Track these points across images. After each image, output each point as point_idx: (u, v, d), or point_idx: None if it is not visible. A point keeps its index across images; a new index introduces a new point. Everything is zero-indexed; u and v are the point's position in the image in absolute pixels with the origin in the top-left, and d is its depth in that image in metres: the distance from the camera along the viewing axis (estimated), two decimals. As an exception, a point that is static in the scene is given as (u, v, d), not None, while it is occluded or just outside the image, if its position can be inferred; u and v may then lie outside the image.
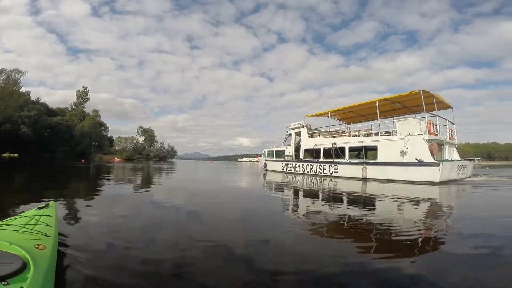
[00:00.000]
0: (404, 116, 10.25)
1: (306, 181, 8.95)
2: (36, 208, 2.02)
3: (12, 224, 1.55)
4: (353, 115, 13.89)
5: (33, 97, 54.67)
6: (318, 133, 13.91)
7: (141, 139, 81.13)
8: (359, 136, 11.01)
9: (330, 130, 13.45)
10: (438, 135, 9.20)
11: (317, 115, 14.22)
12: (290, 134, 15.49)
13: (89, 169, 15.47)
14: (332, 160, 11.51)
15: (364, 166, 9.76)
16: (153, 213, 3.42)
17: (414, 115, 11.00)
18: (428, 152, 8.05)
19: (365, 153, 10.19)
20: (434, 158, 8.09)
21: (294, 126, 15.13)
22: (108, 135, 75.44)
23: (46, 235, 1.50)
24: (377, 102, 10.43)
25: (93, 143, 62.56)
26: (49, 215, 1.89)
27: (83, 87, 65.82)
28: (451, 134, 10.50)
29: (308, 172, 12.98)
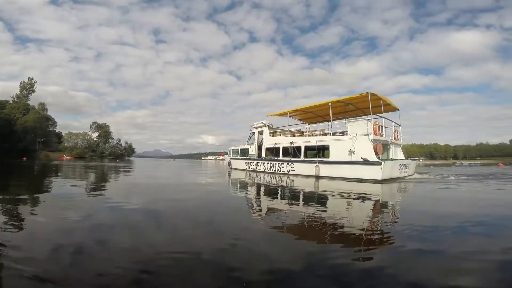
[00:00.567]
0: (356, 118, 10.99)
1: (266, 179, 9.18)
2: None
3: None
4: (312, 115, 14.61)
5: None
6: (279, 132, 14.41)
7: (94, 135, 76.05)
8: (315, 135, 11.68)
9: (290, 130, 14.02)
10: (384, 135, 9.96)
11: (278, 115, 14.67)
12: (254, 133, 15.85)
13: (32, 168, 14.20)
14: (289, 159, 11.99)
15: (317, 164, 10.27)
16: (108, 217, 3.21)
17: (366, 116, 11.90)
18: (373, 152, 8.66)
19: (318, 152, 10.79)
20: (378, 158, 8.74)
21: (257, 125, 15.53)
22: (57, 131, 68.79)
23: None
24: (330, 104, 11.03)
25: (38, 139, 56.54)
26: None
27: (28, 78, 58.75)
28: (397, 135, 11.47)
29: (268, 170, 13.38)
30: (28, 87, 58.36)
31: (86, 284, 1.52)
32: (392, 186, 7.18)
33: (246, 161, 15.94)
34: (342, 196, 5.26)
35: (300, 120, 15.62)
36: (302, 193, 5.73)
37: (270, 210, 3.89)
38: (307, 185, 7.24)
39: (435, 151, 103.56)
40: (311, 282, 1.55)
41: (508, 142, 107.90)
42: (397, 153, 11.36)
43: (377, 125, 9.50)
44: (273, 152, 13.70)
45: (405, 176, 9.97)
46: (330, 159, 10.16)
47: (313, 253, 2.03)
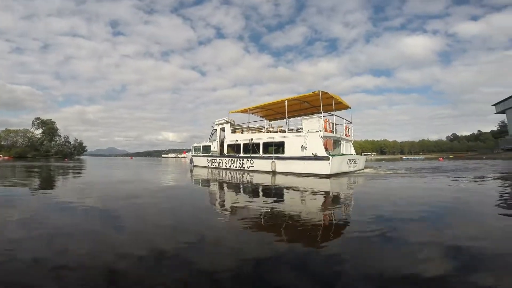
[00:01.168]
0: (310, 115, 11.54)
1: (227, 176, 9.25)
2: None
3: None
4: (272, 112, 15.00)
5: None
6: (242, 129, 14.56)
7: (38, 132, 68.18)
8: (274, 132, 12.05)
9: (251, 127, 14.27)
10: (335, 132, 10.68)
11: (240, 112, 14.77)
12: (216, 130, 15.83)
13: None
14: (249, 155, 12.26)
15: (273, 160, 10.66)
16: (60, 219, 2.94)
17: (321, 114, 12.51)
18: (323, 147, 9.20)
19: (276, 148, 11.23)
20: (328, 153, 9.30)
21: (219, 122, 15.57)
22: (-12, 128, 61.72)
23: None
24: (286, 101, 11.51)
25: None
26: None
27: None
28: (348, 132, 12.35)
29: (230, 166, 13.47)
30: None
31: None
32: (341, 180, 7.60)
33: (208, 158, 15.87)
34: (295, 190, 5.51)
35: (262, 117, 15.92)
36: (260, 188, 5.91)
37: (232, 206, 3.94)
38: (264, 181, 7.44)
39: (384, 146, 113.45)
40: (280, 272, 1.58)
41: (444, 139, 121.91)
42: (348, 148, 12.17)
43: (327, 122, 10.06)
44: (235, 148, 13.82)
45: (355, 171, 10.64)
46: (285, 155, 10.58)
47: (278, 245, 2.06)
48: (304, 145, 9.74)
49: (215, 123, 15.95)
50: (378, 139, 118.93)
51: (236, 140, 13.61)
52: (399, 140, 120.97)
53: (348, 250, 1.96)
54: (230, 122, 14.87)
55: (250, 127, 14.14)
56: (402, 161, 30.31)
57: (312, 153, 9.25)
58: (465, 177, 7.60)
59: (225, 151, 14.56)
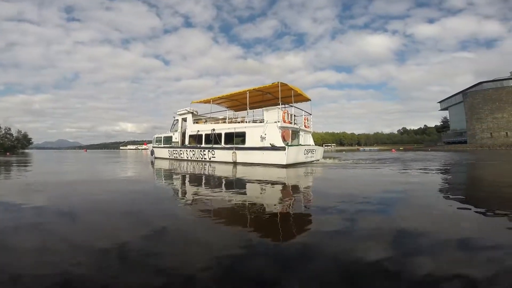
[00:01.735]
0: (272, 106, 11.46)
1: (189, 167, 8.96)
2: None
3: None
4: (237, 103, 14.73)
5: None
6: (205, 119, 14.12)
7: (-31, 124, 59.44)
8: (237, 122, 11.85)
9: (213, 117, 13.86)
10: (293, 123, 10.83)
11: (202, 102, 14.35)
12: (178, 120, 15.19)
13: None
14: (211, 146, 12.00)
15: (234, 151, 10.57)
16: (4, 218, 2.55)
17: (284, 105, 12.51)
18: (280, 138, 9.32)
19: (237, 139, 11.07)
20: (286, 144, 9.42)
21: (181, 112, 14.94)
22: None
23: None
24: (248, 92, 11.41)
25: None
26: None
27: None
28: (307, 123, 12.58)
29: (191, 158, 13.12)
30: None
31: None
32: (298, 170, 7.70)
33: (169, 149, 15.28)
34: (254, 181, 5.45)
35: (228, 107, 15.56)
36: (223, 179, 5.74)
37: (194, 197, 3.71)
38: (225, 172, 7.31)
39: (343, 138, 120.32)
40: (251, 262, 1.54)
41: (396, 132, 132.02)
42: (307, 139, 12.42)
43: (286, 113, 10.12)
44: (196, 139, 13.40)
45: (312, 161, 10.93)
46: (246, 145, 10.54)
47: (246, 235, 2.02)
48: (263, 135, 9.74)
49: (177, 113, 15.31)
50: (338, 132, 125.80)
51: (198, 131, 13.21)
52: (356, 132, 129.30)
53: (305, 238, 1.95)
54: (192, 113, 14.33)
55: (213, 118, 13.74)
56: (360, 152, 32.16)
57: (270, 144, 9.29)
58: (419, 168, 8.03)
59: (186, 142, 14.08)
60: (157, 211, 2.81)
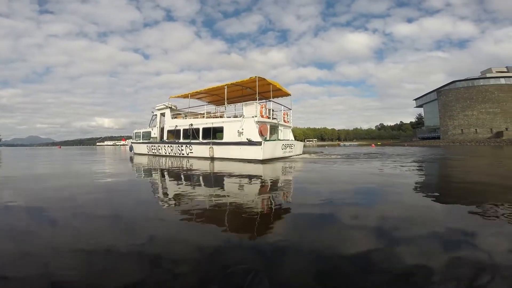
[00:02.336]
0: (251, 101, 11.04)
1: (167, 163, 8.54)
2: None
3: None
4: (218, 98, 14.21)
5: None
6: (184, 114, 13.51)
7: None
8: (216, 117, 11.34)
9: (191, 112, 13.29)
10: (271, 118, 10.51)
11: (180, 97, 13.76)
12: (156, 115, 14.55)
13: None
14: (188, 141, 11.50)
15: (211, 146, 10.15)
16: None
17: (265, 100, 12.07)
18: (257, 133, 9.00)
19: (214, 134, 10.60)
20: (264, 138, 9.11)
21: (159, 107, 14.31)
22: None
23: None
24: (226, 87, 10.95)
25: None
26: None
27: None
28: (287, 118, 12.29)
29: (169, 153, 12.62)
30: None
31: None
32: (275, 165, 7.40)
33: (148, 145, 14.68)
34: (234, 176, 5.21)
35: (209, 102, 14.99)
36: (201, 176, 5.40)
37: (175, 195, 3.39)
38: (203, 167, 6.96)
39: (325, 134, 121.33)
40: (238, 258, 1.49)
41: (374, 128, 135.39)
42: (286, 134, 12.14)
43: (263, 108, 9.76)
44: (175, 134, 12.84)
45: (290, 156, 10.62)
46: (224, 140, 10.15)
47: (230, 232, 1.94)
48: (241, 130, 9.36)
49: (156, 108, 14.67)
50: (319, 127, 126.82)
51: (176, 126, 12.64)
52: (336, 128, 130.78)
53: (285, 231, 1.94)
54: (170, 107, 13.70)
55: (192, 112, 13.15)
56: (340, 147, 32.37)
57: (247, 138, 8.92)
58: (400, 162, 7.99)
59: (165, 137, 13.50)
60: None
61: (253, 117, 9.27)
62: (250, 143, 8.87)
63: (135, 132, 16.80)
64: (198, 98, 14.49)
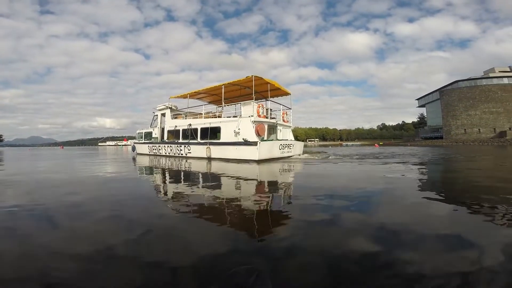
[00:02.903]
0: (249, 101, 10.69)
1: (167, 163, 8.37)
2: None
3: None
4: (217, 98, 13.91)
5: None
6: (184, 114, 13.26)
7: None
8: (214, 117, 11.04)
9: (191, 112, 13.01)
10: (269, 117, 10.16)
11: (180, 97, 13.58)
12: (157, 116, 14.40)
13: None
14: (187, 141, 11.25)
15: (208, 146, 9.87)
16: None
17: (265, 100, 11.68)
18: (253, 133, 8.68)
19: (212, 134, 10.30)
20: (261, 138, 8.78)
21: (160, 108, 14.16)
22: None
23: None
24: (223, 86, 10.65)
25: None
26: None
27: None
28: (287, 118, 11.89)
29: (169, 153, 12.44)
30: None
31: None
32: (269, 166, 7.03)
33: (149, 145, 14.54)
34: (231, 177, 5.02)
35: (209, 102, 14.72)
36: (199, 176, 5.25)
37: (175, 195, 3.34)
38: (201, 167, 6.76)
39: (326, 134, 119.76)
40: (240, 259, 1.44)
41: (375, 127, 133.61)
42: (286, 134, 11.76)
43: (260, 107, 9.43)
44: (174, 134, 12.64)
45: (289, 156, 10.21)
46: (221, 140, 9.87)
47: (231, 232, 1.88)
48: (237, 130, 9.02)
49: (156, 108, 14.53)
50: (321, 127, 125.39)
51: (176, 126, 12.44)
52: (338, 128, 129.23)
53: (288, 232, 1.84)
54: (170, 108, 13.51)
55: (192, 113, 12.88)
56: (343, 147, 31.69)
57: (243, 138, 8.60)
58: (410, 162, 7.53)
59: (165, 138, 13.34)
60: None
61: (249, 116, 8.97)
62: (246, 143, 8.57)
63: (138, 132, 16.73)
64: (198, 98, 14.28)
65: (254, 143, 8.29)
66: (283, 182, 4.36)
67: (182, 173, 5.81)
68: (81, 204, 2.72)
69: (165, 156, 12.47)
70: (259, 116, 9.16)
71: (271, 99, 10.81)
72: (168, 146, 12.56)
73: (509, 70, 49.59)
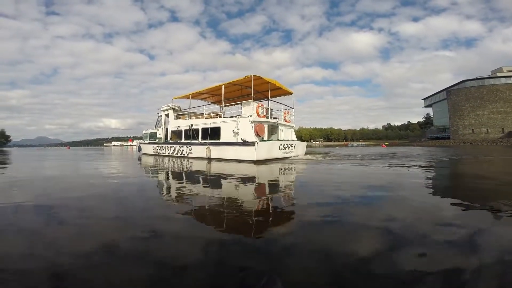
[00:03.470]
0: (249, 101, 10.35)
1: (170, 163, 8.26)
2: None
3: None
4: (220, 98, 13.63)
5: None
6: (188, 115, 13.05)
7: None
8: (215, 118, 10.77)
9: (193, 112, 12.78)
10: (270, 117, 9.82)
11: (182, 98, 13.44)
12: (161, 116, 14.34)
13: None
14: (189, 141, 11.07)
15: (208, 146, 9.62)
16: None
17: (267, 99, 11.26)
18: (252, 133, 8.37)
19: (212, 134, 10.02)
20: (261, 139, 8.46)
21: (164, 108, 14.12)
22: None
23: None
24: (223, 86, 10.39)
25: None
26: None
27: None
28: (289, 117, 11.47)
29: (171, 153, 12.32)
30: None
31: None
32: (272, 166, 6.71)
33: (154, 145, 14.52)
34: (230, 177, 4.84)
35: (213, 102, 14.52)
36: (200, 176, 5.08)
37: (178, 195, 3.26)
38: (201, 167, 6.60)
39: (331, 134, 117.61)
40: (245, 258, 1.40)
41: (380, 128, 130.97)
42: (288, 134, 11.38)
43: (260, 107, 9.10)
44: (177, 135, 12.52)
45: (290, 157, 9.77)
46: (220, 140, 9.61)
47: (236, 231, 1.83)
48: (236, 130, 8.73)
49: (160, 109, 14.52)
50: (325, 127, 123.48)
51: (178, 127, 12.31)
52: (342, 128, 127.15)
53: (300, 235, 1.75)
54: (174, 108, 13.38)
55: (194, 113, 12.66)
56: (349, 147, 30.81)
57: (241, 139, 8.31)
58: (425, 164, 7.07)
59: (168, 138, 13.30)
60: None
61: (248, 116, 8.68)
62: (244, 143, 8.30)
63: (144, 133, 16.78)
64: (201, 99, 14.10)
65: (252, 143, 8.00)
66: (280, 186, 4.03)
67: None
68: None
69: (168, 156, 12.36)
70: (258, 116, 8.87)
71: (273, 99, 10.44)
72: (171, 146, 12.47)
73: (518, 69, 47.76)
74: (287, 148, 9.67)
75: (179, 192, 3.48)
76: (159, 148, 13.65)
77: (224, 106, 10.72)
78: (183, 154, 11.30)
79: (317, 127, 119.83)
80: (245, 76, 9.32)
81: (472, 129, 47.43)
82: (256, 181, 4.37)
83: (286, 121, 11.19)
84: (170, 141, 12.92)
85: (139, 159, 10.88)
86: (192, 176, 5.06)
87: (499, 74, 47.59)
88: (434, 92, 63.12)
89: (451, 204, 2.48)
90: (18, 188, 3.90)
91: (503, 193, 2.98)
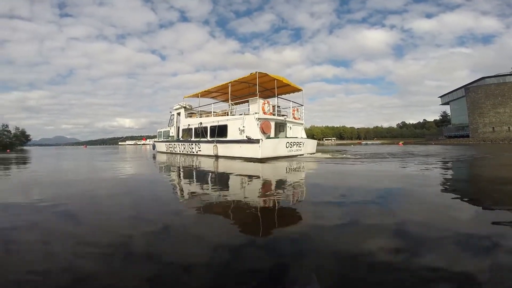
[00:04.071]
0: (256, 98, 10.03)
1: (180, 161, 8.29)
2: None
3: None
4: (231, 96, 13.47)
5: None
6: (199, 113, 12.97)
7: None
8: (224, 115, 10.59)
9: (203, 110, 12.67)
10: (277, 114, 9.48)
11: (192, 96, 13.41)
12: (174, 115, 14.49)
13: None
14: (198, 139, 11.02)
15: (215, 144, 9.46)
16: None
17: (275, 96, 10.85)
18: (258, 130, 8.11)
19: (220, 132, 9.84)
20: (267, 136, 8.17)
21: (176, 107, 14.27)
22: None
23: None
24: (230, 84, 10.21)
25: None
26: None
27: None
28: (298, 115, 11.04)
29: (182, 151, 12.42)
30: None
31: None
32: (276, 164, 6.38)
33: (166, 143, 14.76)
34: (236, 175, 4.79)
35: (223, 101, 14.36)
36: (209, 174, 5.01)
37: (188, 193, 3.24)
38: (209, 165, 6.52)
39: (343, 132, 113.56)
40: (256, 254, 1.37)
41: (395, 126, 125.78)
42: (297, 132, 10.97)
43: (266, 104, 8.80)
44: (188, 133, 12.52)
45: (298, 155, 9.33)
46: (227, 138, 9.45)
47: (246, 228, 1.78)
48: (242, 128, 8.49)
49: (173, 108, 14.66)
50: (338, 126, 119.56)
51: (189, 125, 12.34)
52: (355, 126, 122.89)
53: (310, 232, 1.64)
54: (185, 107, 13.40)
55: (204, 111, 12.55)
56: (363, 146, 29.54)
57: (246, 136, 8.05)
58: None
59: (180, 136, 13.37)
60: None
61: (254, 114, 8.45)
62: (249, 141, 8.10)
63: (158, 131, 17.05)
64: (211, 97, 13.97)
65: (257, 141, 7.76)
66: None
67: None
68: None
69: (180, 154, 12.46)
70: (264, 113, 8.62)
71: (282, 96, 10.09)
72: (181, 144, 12.56)
73: (544, 64, 44.21)
74: (295, 146, 9.25)
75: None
76: (171, 146, 13.82)
77: (232, 104, 10.48)
78: (193, 152, 11.29)
79: (329, 126, 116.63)
80: (250, 74, 9.06)
81: (493, 127, 44.56)
82: (253, 181, 4.13)
83: (295, 119, 10.78)
84: (181, 139, 12.98)
85: (154, 157, 10.97)
86: (191, 175, 4.91)
87: (521, 70, 44.31)
88: (451, 90, 59.93)
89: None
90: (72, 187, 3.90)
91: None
